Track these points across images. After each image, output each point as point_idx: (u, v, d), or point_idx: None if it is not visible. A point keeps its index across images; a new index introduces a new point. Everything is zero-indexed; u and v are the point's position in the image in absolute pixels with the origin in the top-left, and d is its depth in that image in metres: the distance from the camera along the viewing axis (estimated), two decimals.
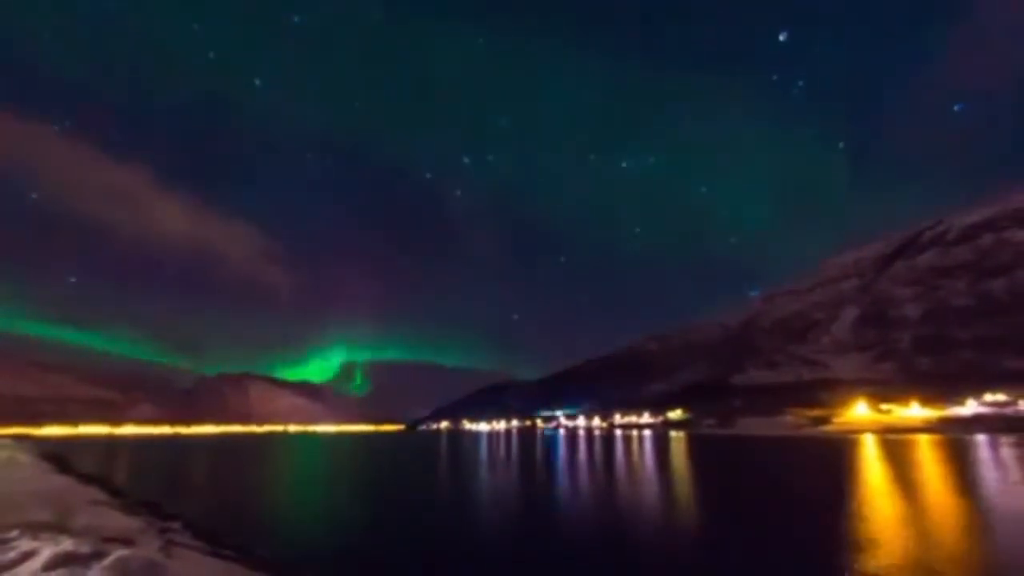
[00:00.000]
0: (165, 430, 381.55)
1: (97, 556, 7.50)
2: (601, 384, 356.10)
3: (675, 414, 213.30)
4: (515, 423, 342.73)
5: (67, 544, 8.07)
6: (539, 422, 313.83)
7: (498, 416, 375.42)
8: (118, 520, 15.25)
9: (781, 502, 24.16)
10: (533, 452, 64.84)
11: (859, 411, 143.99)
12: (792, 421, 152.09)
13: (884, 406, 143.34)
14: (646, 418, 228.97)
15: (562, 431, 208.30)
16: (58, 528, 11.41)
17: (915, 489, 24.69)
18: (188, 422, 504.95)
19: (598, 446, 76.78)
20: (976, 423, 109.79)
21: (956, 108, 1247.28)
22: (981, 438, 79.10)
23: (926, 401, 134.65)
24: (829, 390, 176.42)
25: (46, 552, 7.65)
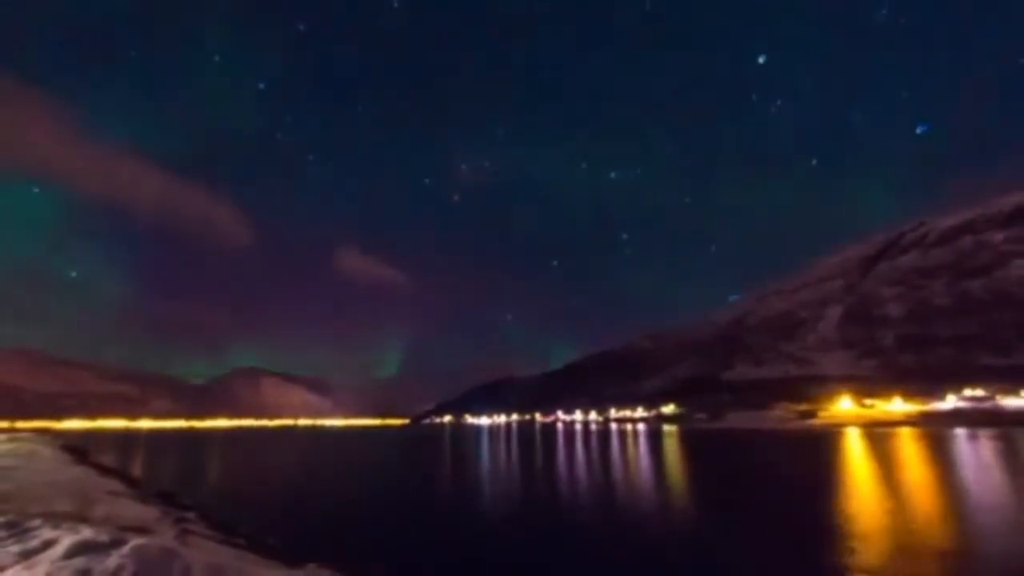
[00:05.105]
0: (180, 424, 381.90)
1: (115, 544, 7.50)
2: (597, 380, 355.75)
3: (668, 409, 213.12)
4: (515, 417, 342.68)
5: (86, 533, 8.06)
6: (538, 416, 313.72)
7: (498, 411, 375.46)
8: (135, 510, 15.25)
9: (767, 490, 24.14)
10: (532, 444, 64.82)
11: (844, 406, 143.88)
12: (780, 415, 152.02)
13: (868, 401, 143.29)
14: (640, 413, 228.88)
15: (560, 425, 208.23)
16: (78, 517, 11.41)
17: (895, 479, 24.69)
18: (203, 416, 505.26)
19: (594, 440, 76.75)
20: (956, 417, 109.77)
21: (919, 131, 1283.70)
22: (960, 432, 79.05)
23: (908, 396, 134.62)
24: (815, 386, 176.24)
25: (66, 540, 7.64)
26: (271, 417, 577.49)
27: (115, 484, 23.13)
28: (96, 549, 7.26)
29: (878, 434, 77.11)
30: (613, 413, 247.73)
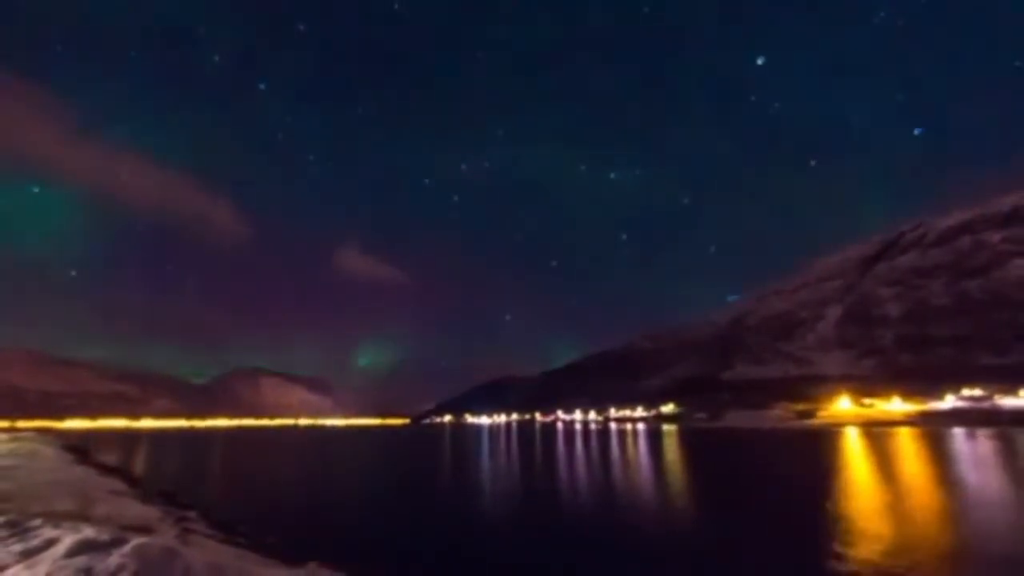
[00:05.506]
0: (181, 423, 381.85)
1: (117, 543, 7.51)
2: (597, 380, 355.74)
3: (667, 408, 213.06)
4: (515, 417, 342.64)
5: (88, 532, 8.07)
6: (538, 416, 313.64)
7: (498, 410, 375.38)
8: (136, 509, 15.27)
9: (767, 490, 24.13)
10: (532, 444, 64.83)
11: (843, 405, 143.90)
12: (779, 415, 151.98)
13: (866, 400, 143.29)
14: (640, 412, 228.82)
15: (560, 425, 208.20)
16: (79, 516, 11.41)
17: (894, 478, 24.70)
18: (204, 416, 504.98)
19: (594, 439, 76.74)
20: (954, 417, 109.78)
21: (916, 132, 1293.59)
22: (958, 431, 79.08)
23: (907, 396, 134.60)
24: (814, 385, 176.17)
25: (68, 539, 7.66)
26: (271, 417, 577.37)
27: (116, 483, 23.13)
28: (97, 548, 7.27)
29: (877, 433, 77.10)
30: (613, 413, 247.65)
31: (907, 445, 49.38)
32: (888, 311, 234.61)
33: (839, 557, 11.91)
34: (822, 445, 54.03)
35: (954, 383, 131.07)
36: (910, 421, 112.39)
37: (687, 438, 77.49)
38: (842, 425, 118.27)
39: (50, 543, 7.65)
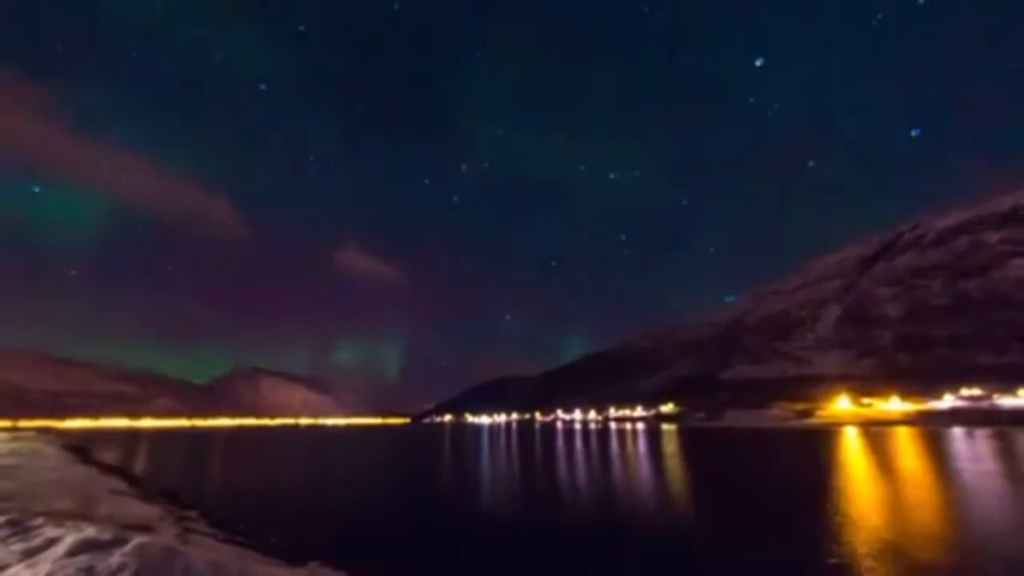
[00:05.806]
0: (183, 423, 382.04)
1: (118, 542, 7.51)
2: (597, 380, 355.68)
3: (667, 408, 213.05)
4: (515, 417, 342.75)
5: (89, 531, 8.08)
6: (537, 416, 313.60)
7: (498, 410, 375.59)
8: (138, 508, 15.27)
9: (767, 490, 24.14)
10: (532, 444, 64.82)
11: (841, 405, 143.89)
12: (777, 414, 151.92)
13: (865, 400, 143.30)
14: (639, 412, 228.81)
15: (559, 424, 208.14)
16: (81, 516, 11.42)
17: (894, 478, 24.70)
18: (205, 415, 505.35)
19: (594, 439, 76.71)
20: (953, 416, 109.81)
21: (913, 133, 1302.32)
22: (957, 430, 79.06)
23: (905, 395, 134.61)
24: (813, 385, 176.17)
25: (69, 539, 7.66)
26: (272, 416, 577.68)
27: (117, 483, 23.15)
28: (99, 547, 7.28)
29: (875, 433, 77.07)
30: (612, 412, 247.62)
31: (905, 444, 49.36)
32: (887, 311, 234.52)
33: (838, 557, 11.91)
34: (821, 444, 54.02)
35: (953, 383, 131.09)
36: (909, 420, 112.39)
37: (686, 438, 77.46)
38: (841, 424, 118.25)
39: (51, 542, 7.65)
